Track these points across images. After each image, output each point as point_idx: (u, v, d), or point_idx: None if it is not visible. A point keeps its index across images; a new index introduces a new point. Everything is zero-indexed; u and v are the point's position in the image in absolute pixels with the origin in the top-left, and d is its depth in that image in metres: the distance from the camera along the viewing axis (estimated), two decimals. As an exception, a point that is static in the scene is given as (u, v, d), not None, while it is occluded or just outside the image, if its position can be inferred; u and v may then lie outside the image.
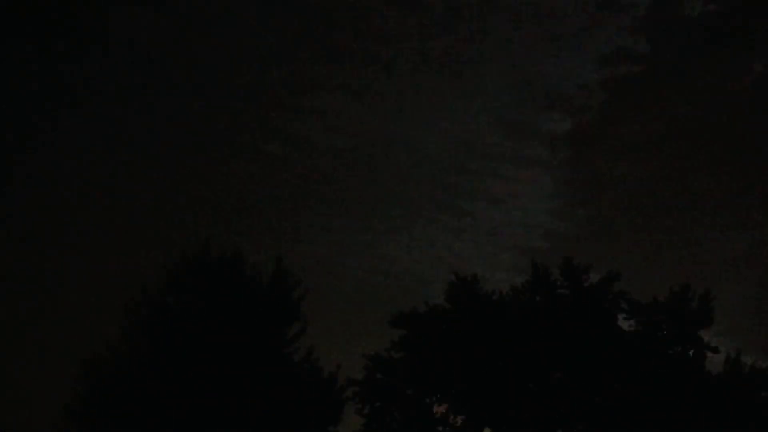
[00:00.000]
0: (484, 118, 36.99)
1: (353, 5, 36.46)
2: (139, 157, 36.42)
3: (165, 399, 23.97)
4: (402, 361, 25.11)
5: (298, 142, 36.94)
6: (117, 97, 37.29)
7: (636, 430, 24.02)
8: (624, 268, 25.70)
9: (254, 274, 25.70)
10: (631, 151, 36.76)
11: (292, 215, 33.96)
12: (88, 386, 24.55)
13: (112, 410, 24.10)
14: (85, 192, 35.37)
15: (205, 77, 38.02)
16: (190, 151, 36.69)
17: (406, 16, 35.50)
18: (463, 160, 36.33)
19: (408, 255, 31.74)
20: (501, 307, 25.12)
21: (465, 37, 35.25)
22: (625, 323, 25.52)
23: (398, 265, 31.30)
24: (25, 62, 36.07)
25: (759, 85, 35.18)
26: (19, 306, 30.76)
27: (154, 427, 23.78)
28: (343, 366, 24.91)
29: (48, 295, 31.37)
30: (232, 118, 37.74)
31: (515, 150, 37.32)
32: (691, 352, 25.21)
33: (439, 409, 24.81)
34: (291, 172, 36.17)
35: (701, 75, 36.14)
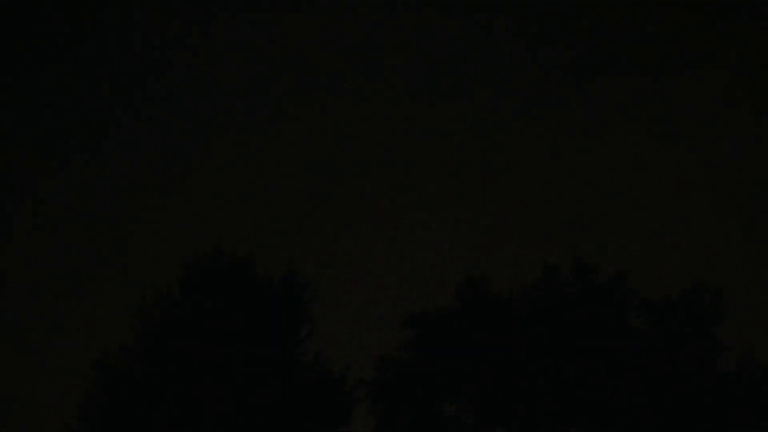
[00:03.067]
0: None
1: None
2: (151, 157, 36.54)
3: (176, 399, 24.22)
4: (412, 361, 25.18)
5: (307, 143, 36.94)
6: (124, 97, 37.39)
7: (648, 428, 23.94)
8: (634, 266, 25.71)
9: (265, 275, 25.92)
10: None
11: (304, 216, 33.98)
12: (101, 387, 24.81)
13: (124, 410, 24.36)
14: (96, 192, 35.54)
15: (214, 76, 38.06)
16: (202, 151, 36.78)
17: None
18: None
19: (420, 255, 31.70)
20: (510, 306, 25.15)
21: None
22: (636, 321, 25.46)
23: (410, 265, 31.26)
24: (22, 62, 36.23)
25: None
26: (30, 305, 31.00)
27: (165, 427, 23.99)
28: (354, 367, 25.07)
29: (60, 294, 31.59)
30: (244, 117, 37.79)
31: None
32: (703, 350, 25.09)
33: (450, 409, 24.87)
34: (303, 175, 36.18)
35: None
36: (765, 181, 33.27)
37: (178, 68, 37.67)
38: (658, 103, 35.93)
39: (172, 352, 24.84)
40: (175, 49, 37.43)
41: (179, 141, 37.05)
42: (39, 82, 36.48)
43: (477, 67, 37.65)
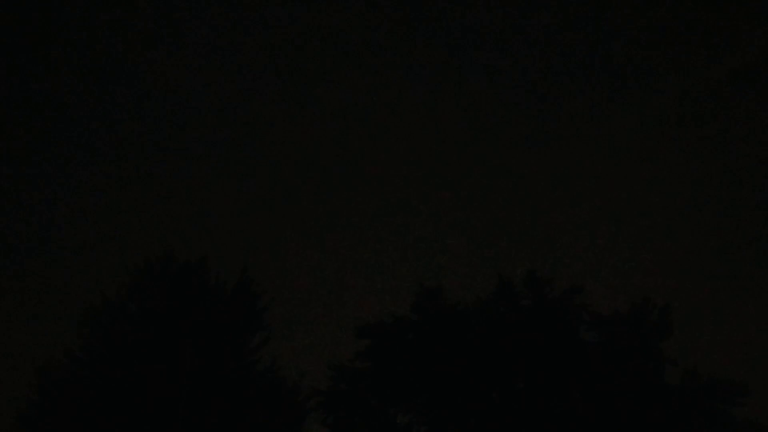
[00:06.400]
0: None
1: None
2: (102, 160, 35.88)
3: (123, 407, 23.73)
4: (367, 371, 25.11)
5: (264, 149, 36.76)
6: (77, 102, 36.68)
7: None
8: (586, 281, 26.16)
9: (218, 282, 25.60)
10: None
11: (260, 224, 33.75)
12: (44, 394, 24.16)
13: (69, 419, 23.74)
14: (43, 194, 34.67)
15: (175, 82, 37.60)
16: (156, 154, 36.25)
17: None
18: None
19: (377, 264, 31.80)
20: (466, 318, 25.30)
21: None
22: (587, 335, 25.86)
23: (366, 274, 31.32)
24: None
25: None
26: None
27: (112, 436, 23.45)
28: (308, 376, 24.91)
29: (3, 300, 30.66)
30: (198, 122, 37.42)
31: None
32: (650, 364, 25.61)
33: (403, 420, 24.86)
34: (258, 180, 35.97)
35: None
36: (715, 197, 34.31)
37: (136, 75, 37.14)
38: (609, 119, 36.82)
39: (120, 360, 24.32)
40: (139, 53, 36.88)
41: (132, 146, 36.48)
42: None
43: (434, 80, 38.04)
